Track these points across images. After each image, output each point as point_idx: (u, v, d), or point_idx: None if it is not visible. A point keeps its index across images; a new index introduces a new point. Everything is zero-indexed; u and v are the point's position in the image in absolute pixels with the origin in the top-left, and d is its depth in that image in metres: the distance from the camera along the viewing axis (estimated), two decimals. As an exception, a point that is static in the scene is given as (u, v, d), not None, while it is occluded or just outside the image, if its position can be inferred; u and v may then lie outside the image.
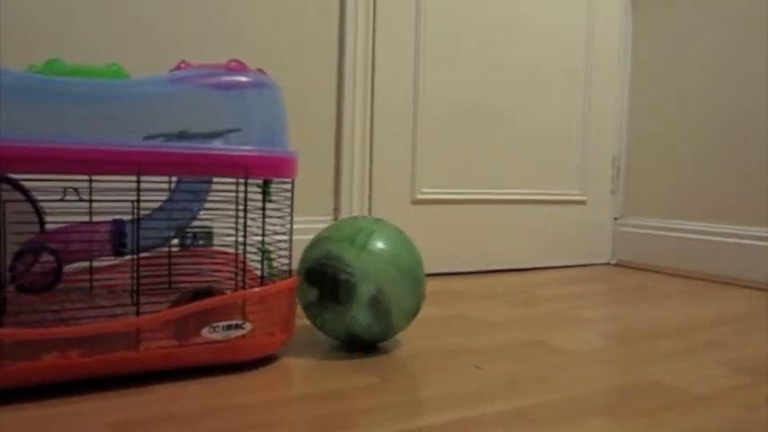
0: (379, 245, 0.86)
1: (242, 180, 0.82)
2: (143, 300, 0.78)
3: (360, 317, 0.84)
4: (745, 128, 1.58)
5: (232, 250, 0.94)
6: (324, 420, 0.65)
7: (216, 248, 0.98)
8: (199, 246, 0.96)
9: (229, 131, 0.79)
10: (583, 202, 1.82)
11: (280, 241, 0.88)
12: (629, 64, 1.88)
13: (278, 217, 0.88)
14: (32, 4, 1.10)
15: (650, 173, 1.83)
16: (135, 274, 0.78)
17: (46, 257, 0.77)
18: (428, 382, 0.78)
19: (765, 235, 1.53)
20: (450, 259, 1.61)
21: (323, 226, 0.98)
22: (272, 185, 0.85)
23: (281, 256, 0.87)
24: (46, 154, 0.67)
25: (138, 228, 0.78)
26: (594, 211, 1.85)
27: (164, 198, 0.88)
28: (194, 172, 0.76)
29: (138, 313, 0.74)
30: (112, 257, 0.86)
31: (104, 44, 1.16)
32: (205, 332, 0.77)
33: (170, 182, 0.89)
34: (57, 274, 0.77)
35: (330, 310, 0.85)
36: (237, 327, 0.78)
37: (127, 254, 0.84)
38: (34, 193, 0.82)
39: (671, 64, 1.77)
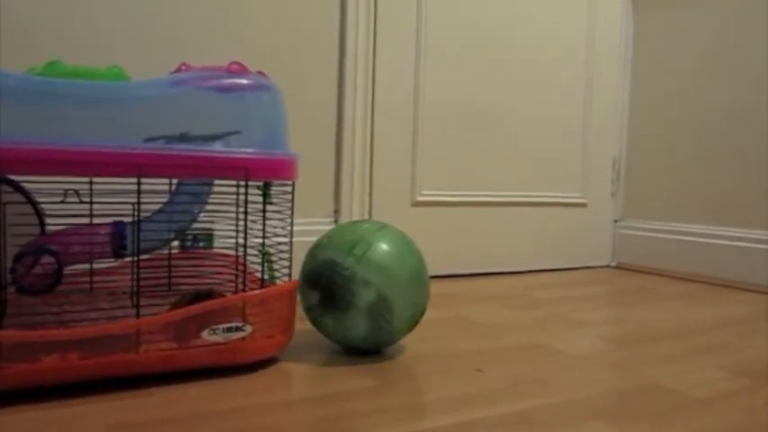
0: (381, 252, 0.85)
1: (242, 182, 0.82)
2: (143, 302, 0.78)
3: (358, 324, 0.84)
4: (746, 129, 1.58)
5: (232, 252, 0.94)
6: (324, 423, 0.65)
7: (216, 251, 0.98)
8: (199, 248, 0.96)
9: (230, 134, 0.79)
10: (583, 205, 1.82)
11: (280, 243, 0.88)
12: (629, 64, 1.88)
13: (278, 219, 0.88)
14: (32, 5, 1.10)
15: (650, 175, 1.82)
16: (135, 277, 0.78)
17: (46, 259, 0.77)
18: (429, 385, 0.78)
19: (766, 238, 1.52)
20: (451, 261, 1.61)
21: (323, 228, 0.98)
22: (273, 187, 0.85)
23: (281, 259, 0.87)
24: (46, 156, 0.67)
25: (139, 230, 0.77)
26: (595, 214, 1.85)
27: (164, 200, 0.88)
28: (195, 174, 0.76)
29: (138, 315, 0.74)
30: (113, 259, 0.86)
31: (104, 45, 1.16)
32: (205, 334, 0.77)
33: (170, 184, 0.89)
34: (57, 275, 0.76)
35: (330, 315, 0.85)
36: (237, 329, 0.78)
37: (127, 256, 0.84)
38: (35, 195, 0.82)
39: (671, 64, 1.77)
